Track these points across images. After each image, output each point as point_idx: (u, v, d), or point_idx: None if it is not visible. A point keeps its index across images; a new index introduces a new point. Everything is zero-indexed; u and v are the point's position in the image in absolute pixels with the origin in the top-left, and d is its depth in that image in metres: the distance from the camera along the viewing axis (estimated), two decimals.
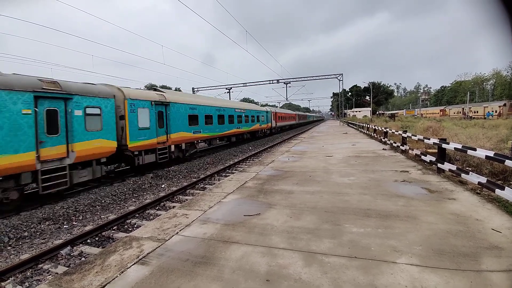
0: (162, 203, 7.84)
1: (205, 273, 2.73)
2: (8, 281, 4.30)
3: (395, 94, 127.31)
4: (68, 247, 5.24)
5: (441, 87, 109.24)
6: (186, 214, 4.58)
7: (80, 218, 7.02)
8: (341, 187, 5.75)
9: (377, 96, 74.97)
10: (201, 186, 9.72)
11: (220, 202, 5.19)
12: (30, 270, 4.65)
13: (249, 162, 14.06)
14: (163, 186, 9.99)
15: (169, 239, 3.62)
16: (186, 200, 7.82)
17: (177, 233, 3.81)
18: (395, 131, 12.32)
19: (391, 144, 11.84)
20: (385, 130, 13.83)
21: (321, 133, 25.37)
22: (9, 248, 5.51)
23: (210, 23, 19.58)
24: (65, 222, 6.72)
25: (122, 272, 2.83)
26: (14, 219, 6.63)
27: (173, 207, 7.25)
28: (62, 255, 5.07)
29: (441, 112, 67.78)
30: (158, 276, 2.72)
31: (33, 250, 5.39)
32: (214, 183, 9.70)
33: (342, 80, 37.17)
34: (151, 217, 6.90)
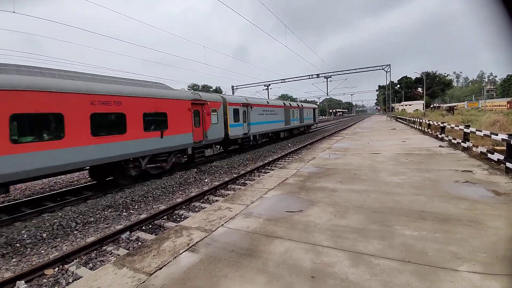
0: (206, 197, 8.26)
1: (250, 265, 2.81)
2: (72, 263, 4.75)
3: (454, 84, 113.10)
4: (127, 232, 5.86)
5: (507, 76, 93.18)
6: (230, 208, 4.75)
7: (136, 207, 7.79)
8: (390, 186, 5.37)
9: (431, 87, 67.51)
10: (242, 181, 9.98)
11: (262, 197, 5.27)
12: (95, 251, 5.29)
13: (288, 159, 13.97)
14: (206, 180, 10.51)
15: (215, 230, 3.81)
16: (228, 194, 8.11)
17: (222, 225, 3.98)
18: (455, 126, 11.02)
19: (450, 140, 10.62)
20: (442, 125, 12.46)
21: (365, 129, 23.91)
22: (76, 232, 6.29)
23: (246, 17, 19.84)
24: (124, 210, 7.53)
25: (175, 257, 3.08)
26: (82, 206, 7.53)
27: (217, 200, 7.60)
28: (122, 239, 5.70)
29: (508, 105, 58.15)
30: (207, 263, 2.89)
31: (98, 233, 6.14)
32: (255, 179, 9.87)
33: (389, 72, 34.36)
34: (197, 209, 7.33)
